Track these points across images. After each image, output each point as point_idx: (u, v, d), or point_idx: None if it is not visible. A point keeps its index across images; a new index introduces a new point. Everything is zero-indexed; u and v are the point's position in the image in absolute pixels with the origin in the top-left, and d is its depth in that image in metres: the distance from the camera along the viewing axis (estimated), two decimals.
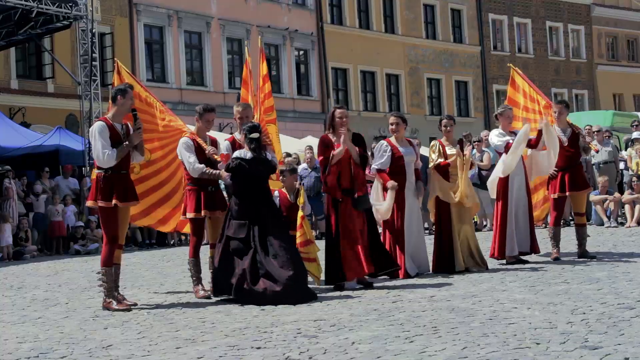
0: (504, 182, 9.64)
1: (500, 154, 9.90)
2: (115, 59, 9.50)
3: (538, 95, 10.47)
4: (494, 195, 9.88)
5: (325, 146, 8.46)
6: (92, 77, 20.59)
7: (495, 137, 9.83)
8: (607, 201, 15.33)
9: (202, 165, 7.95)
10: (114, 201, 7.39)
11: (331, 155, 8.33)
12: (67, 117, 24.44)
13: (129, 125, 7.61)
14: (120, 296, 7.64)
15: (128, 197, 7.55)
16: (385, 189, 8.93)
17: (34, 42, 22.40)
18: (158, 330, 6.18)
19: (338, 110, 8.55)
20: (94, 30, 20.78)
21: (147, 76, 27.71)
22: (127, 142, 7.46)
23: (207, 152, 8.02)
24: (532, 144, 9.67)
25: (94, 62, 20.66)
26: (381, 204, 8.88)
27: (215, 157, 7.97)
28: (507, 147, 9.59)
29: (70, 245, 16.67)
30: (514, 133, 9.69)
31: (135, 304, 7.62)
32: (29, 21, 19.76)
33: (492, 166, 13.78)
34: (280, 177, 8.72)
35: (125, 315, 7.09)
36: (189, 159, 7.98)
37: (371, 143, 19.57)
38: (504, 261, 9.63)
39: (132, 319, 6.82)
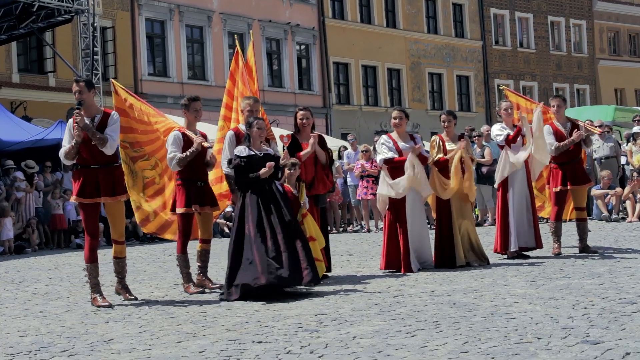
0: (504, 177, 9.65)
1: (501, 147, 9.87)
2: (111, 79, 9.52)
3: (533, 103, 10.61)
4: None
5: (294, 146, 8.77)
6: (94, 71, 20.58)
7: (497, 130, 9.83)
8: (609, 196, 15.32)
9: (174, 154, 7.89)
10: (74, 196, 7.38)
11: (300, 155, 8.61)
12: (68, 111, 24.33)
13: (119, 119, 7.58)
14: (124, 287, 7.70)
15: (101, 193, 7.33)
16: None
17: (36, 36, 22.38)
18: (159, 324, 6.19)
19: (300, 112, 8.87)
20: (95, 24, 20.77)
21: (149, 70, 27.70)
22: (75, 140, 7.26)
23: (194, 140, 7.91)
24: (510, 139, 9.61)
25: (95, 56, 20.65)
26: (397, 182, 8.86)
27: (205, 144, 7.90)
28: (508, 139, 9.58)
29: (71, 239, 16.70)
30: (516, 127, 9.69)
31: (136, 298, 7.63)
32: (31, 15, 19.74)
33: (495, 161, 13.83)
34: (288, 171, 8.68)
35: (126, 309, 7.10)
36: (169, 153, 7.97)
37: (373, 138, 19.61)
38: (506, 256, 9.64)
39: (133, 313, 6.83)
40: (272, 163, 7.65)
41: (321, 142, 8.90)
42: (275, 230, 7.43)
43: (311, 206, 8.60)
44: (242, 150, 7.72)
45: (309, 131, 8.81)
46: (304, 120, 8.78)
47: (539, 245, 9.70)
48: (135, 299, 7.60)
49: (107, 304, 7.27)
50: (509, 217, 9.53)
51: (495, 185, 10.03)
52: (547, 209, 10.49)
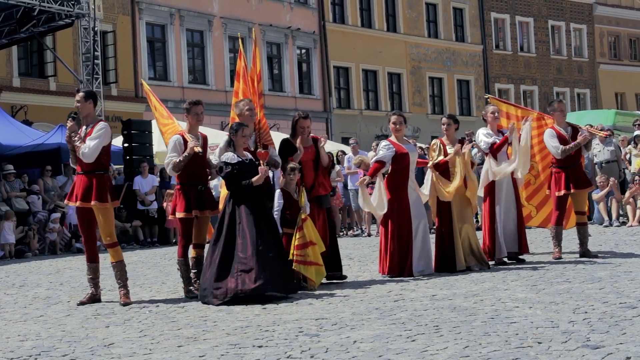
0: (491, 183, 9.65)
1: (485, 154, 9.85)
2: (142, 80, 9.93)
3: (525, 111, 10.59)
4: (482, 194, 9.86)
5: (288, 150, 8.74)
6: (94, 76, 20.61)
7: (483, 136, 9.80)
8: (608, 187, 15.24)
9: (170, 159, 7.93)
10: (65, 200, 7.99)
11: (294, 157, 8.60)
12: (68, 116, 24.42)
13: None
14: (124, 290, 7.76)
15: (79, 197, 7.63)
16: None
17: (36, 40, 22.42)
18: (160, 329, 6.19)
19: (302, 120, 8.78)
20: (96, 29, 20.80)
21: (149, 74, 27.73)
22: (69, 146, 7.81)
23: (188, 144, 7.91)
24: (494, 149, 9.61)
25: (96, 61, 20.67)
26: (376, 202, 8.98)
27: (196, 149, 7.86)
28: (492, 148, 9.58)
29: (72, 243, 16.68)
30: (501, 132, 9.71)
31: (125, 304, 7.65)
32: (31, 19, 19.76)
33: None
34: (287, 176, 8.67)
35: (126, 313, 7.10)
36: (166, 158, 8.04)
37: (372, 142, 19.58)
38: (494, 262, 9.61)
39: (133, 317, 6.83)
40: (266, 168, 7.77)
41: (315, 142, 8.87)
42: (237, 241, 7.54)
43: (315, 208, 8.56)
44: (231, 158, 7.72)
45: (307, 136, 8.79)
46: (305, 129, 8.78)
47: (524, 251, 9.71)
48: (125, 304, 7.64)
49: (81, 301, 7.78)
50: (496, 224, 9.54)
51: (480, 193, 10.00)
52: (534, 219, 10.46)
